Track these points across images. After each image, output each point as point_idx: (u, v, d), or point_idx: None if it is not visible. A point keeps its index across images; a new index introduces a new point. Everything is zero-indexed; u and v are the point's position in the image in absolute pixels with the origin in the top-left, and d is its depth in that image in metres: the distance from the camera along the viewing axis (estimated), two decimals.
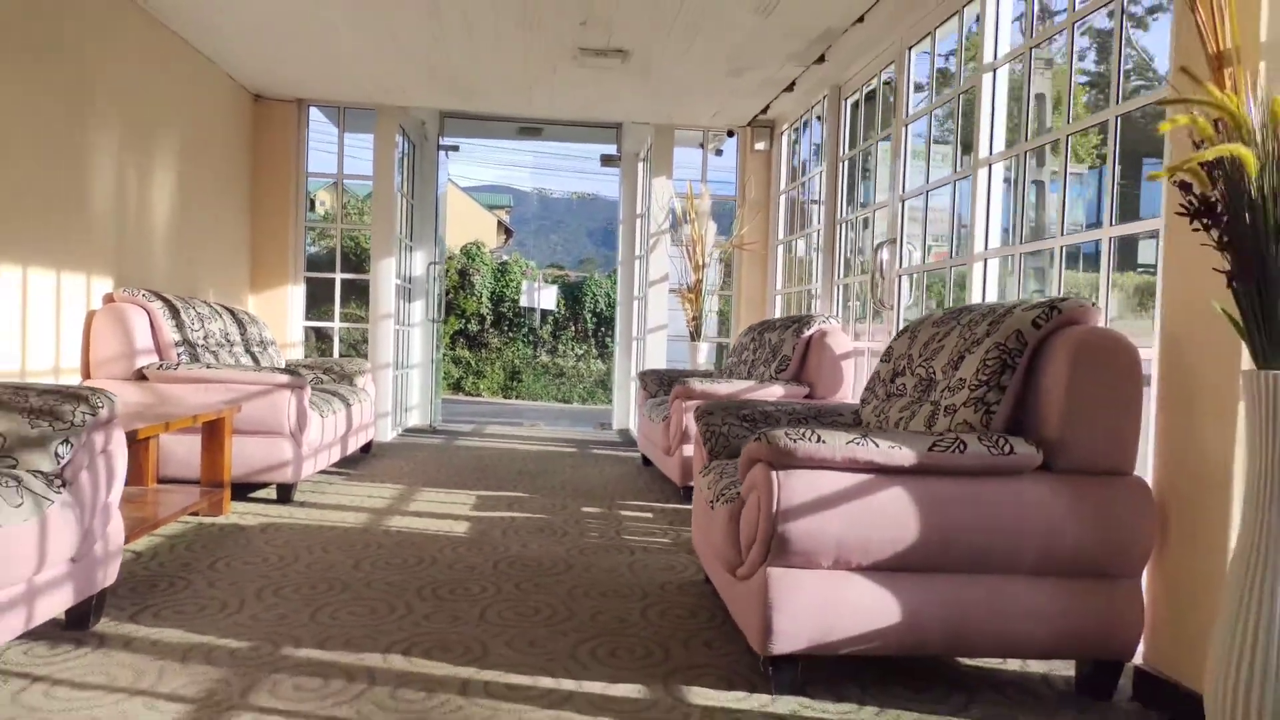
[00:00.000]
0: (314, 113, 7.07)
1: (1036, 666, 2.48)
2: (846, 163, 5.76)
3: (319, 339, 10.97)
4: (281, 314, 6.86)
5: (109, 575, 2.53)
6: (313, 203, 16.34)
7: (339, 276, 7.42)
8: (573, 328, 17.42)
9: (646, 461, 6.02)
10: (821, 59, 5.44)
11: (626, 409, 8.22)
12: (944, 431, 2.32)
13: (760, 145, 7.21)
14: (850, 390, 4.87)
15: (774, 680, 2.21)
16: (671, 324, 7.35)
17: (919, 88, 4.81)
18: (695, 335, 7.01)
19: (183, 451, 4.20)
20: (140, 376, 4.39)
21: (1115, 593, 2.22)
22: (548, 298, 17.15)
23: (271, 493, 4.52)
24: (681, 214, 7.16)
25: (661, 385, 5.90)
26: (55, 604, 2.28)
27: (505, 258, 18.14)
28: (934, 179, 4.50)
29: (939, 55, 4.63)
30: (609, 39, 5.25)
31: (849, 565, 2.16)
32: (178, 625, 2.56)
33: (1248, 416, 1.76)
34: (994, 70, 3.83)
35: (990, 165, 3.82)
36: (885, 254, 4.79)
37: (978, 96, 3.88)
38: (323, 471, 5.27)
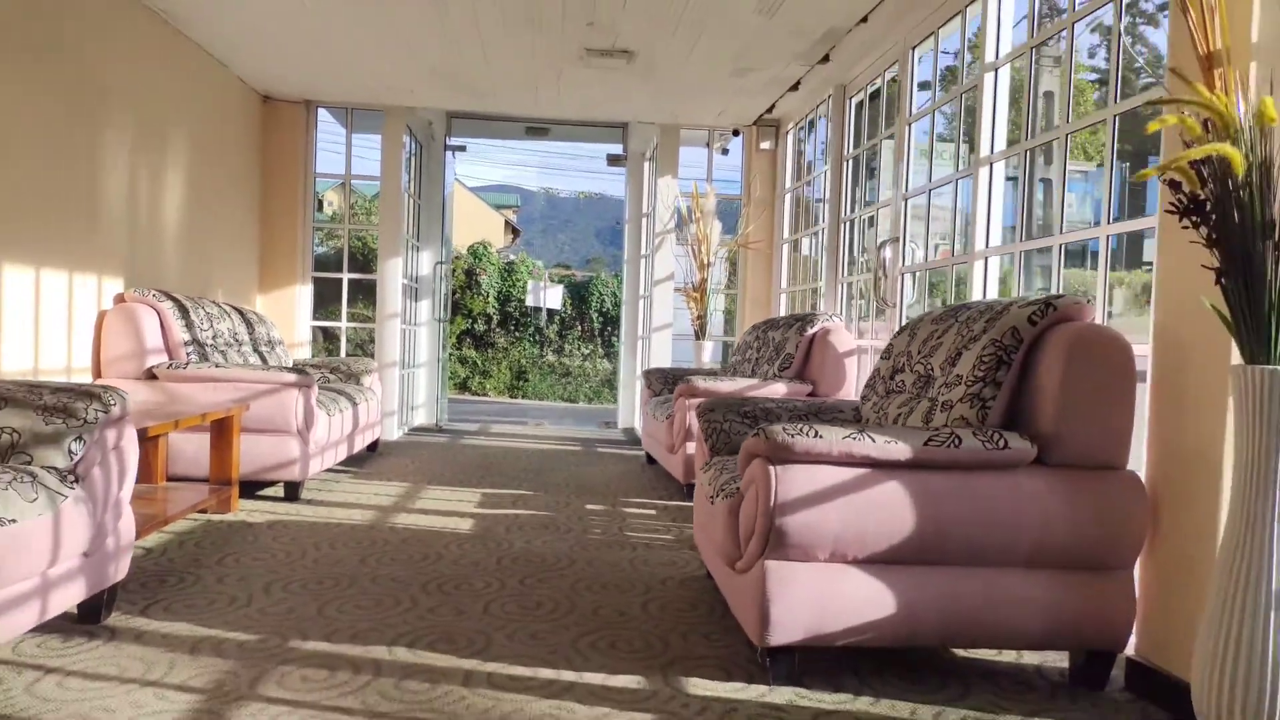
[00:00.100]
0: (322, 113, 7.13)
1: (1031, 658, 2.51)
2: (851, 162, 5.79)
3: (326, 338, 11.04)
4: (289, 314, 6.93)
5: (120, 570, 2.58)
6: (320, 203, 16.44)
7: (346, 276, 7.47)
8: (579, 327, 17.46)
9: (651, 459, 6.06)
10: (826, 59, 5.48)
11: (632, 408, 8.26)
12: (940, 427, 2.35)
13: (765, 144, 7.24)
14: (853, 388, 4.90)
15: (771, 671, 2.25)
16: (677, 323, 7.39)
17: (924, 86, 4.84)
18: (700, 334, 7.05)
19: (192, 450, 4.25)
20: (150, 375, 4.45)
21: (1107, 585, 2.25)
22: (553, 297, 17.19)
23: (279, 490, 4.57)
24: (687, 213, 7.20)
25: (666, 384, 5.94)
26: (68, 597, 2.33)
27: (512, 257, 18.20)
28: (938, 177, 4.53)
29: (944, 54, 4.65)
30: (614, 40, 5.29)
31: (845, 558, 2.20)
32: (187, 619, 2.61)
33: (1236, 410, 1.79)
34: (995, 70, 3.85)
35: (991, 164, 3.85)
36: (888, 252, 4.82)
37: (979, 96, 3.91)
38: (329, 469, 5.33)
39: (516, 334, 17.12)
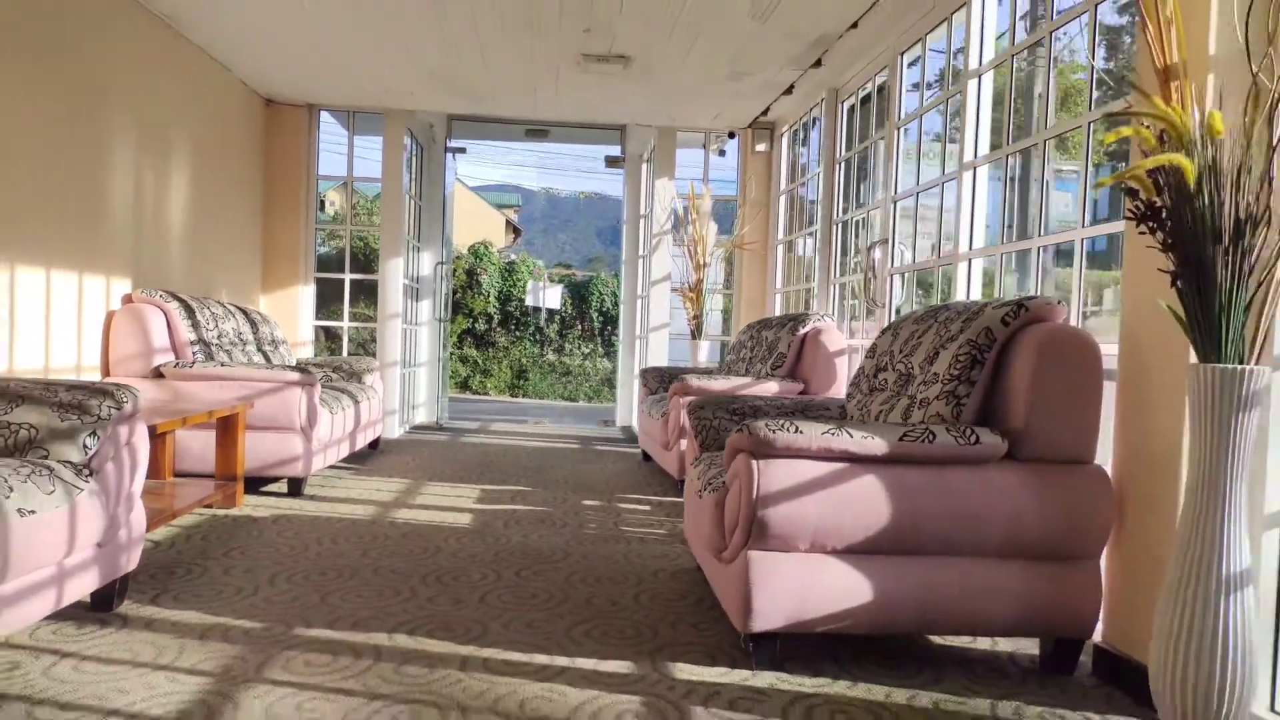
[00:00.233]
0: (324, 116, 7.24)
1: (1004, 645, 2.61)
2: (843, 164, 5.89)
3: (328, 338, 11.16)
4: (292, 313, 7.04)
5: (131, 560, 2.69)
6: (322, 203, 16.53)
7: (348, 277, 7.59)
8: (579, 326, 17.57)
9: (647, 457, 6.17)
10: (818, 63, 5.58)
11: (630, 406, 8.36)
12: (916, 423, 2.45)
13: (761, 146, 7.34)
14: (844, 386, 5.00)
15: (754, 656, 2.35)
16: (674, 322, 7.50)
17: (916, 86, 4.94)
18: (696, 333, 7.15)
19: (198, 447, 4.36)
20: (158, 374, 4.56)
21: (1075, 575, 2.35)
22: (552, 297, 17.30)
23: (283, 486, 4.69)
24: (683, 214, 7.30)
25: (662, 382, 6.04)
26: (83, 586, 2.44)
27: (513, 257, 18.30)
28: (925, 180, 4.63)
29: (935, 51, 4.75)
30: (611, 44, 5.39)
31: (825, 548, 2.30)
32: (196, 607, 2.72)
33: (1190, 406, 1.90)
34: (979, 77, 3.95)
35: (975, 169, 3.95)
36: (878, 254, 4.92)
37: (963, 101, 4.01)
38: (332, 466, 5.44)
39: (517, 333, 17.23)
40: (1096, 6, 3.02)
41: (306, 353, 7.21)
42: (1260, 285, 1.87)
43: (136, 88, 4.90)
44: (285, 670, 2.26)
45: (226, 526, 3.80)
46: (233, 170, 6.37)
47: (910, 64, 4.90)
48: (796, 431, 2.27)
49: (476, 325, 17.02)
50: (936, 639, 2.65)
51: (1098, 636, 2.43)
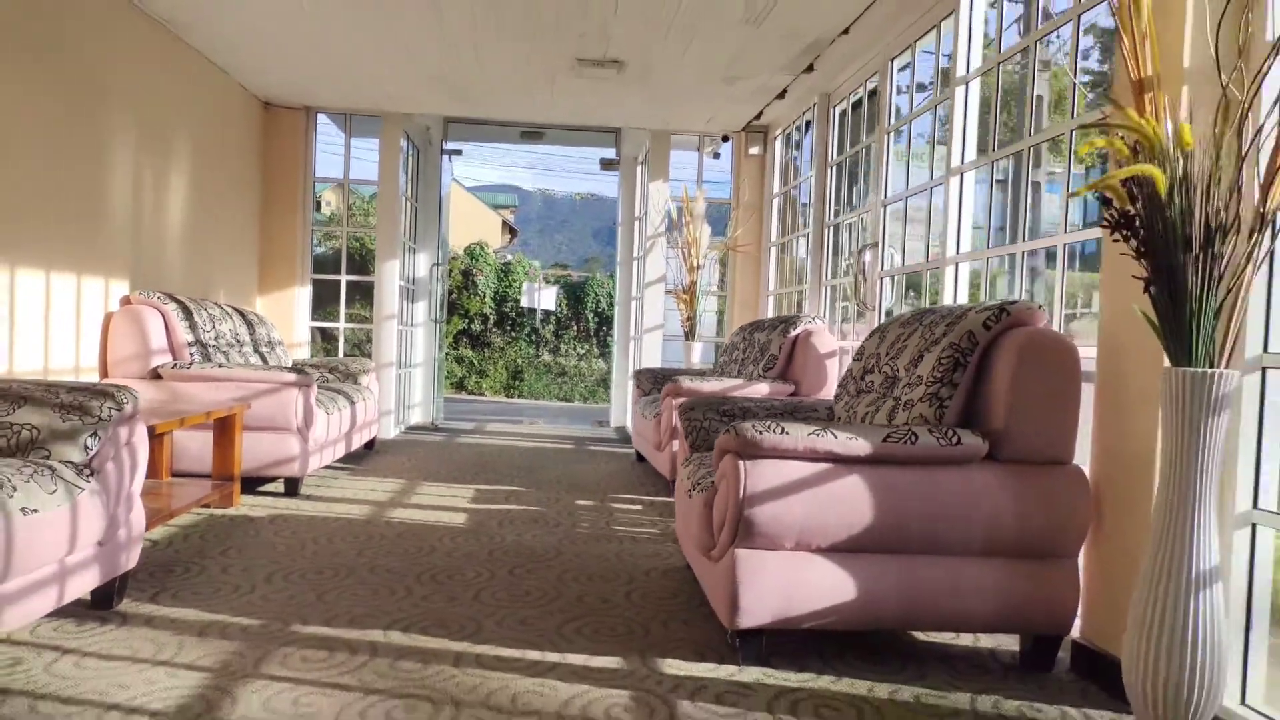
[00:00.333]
0: (321, 118, 7.29)
1: (986, 641, 2.67)
2: (835, 168, 5.95)
3: (324, 339, 11.19)
4: (288, 315, 7.09)
5: (131, 559, 2.74)
6: (319, 203, 16.57)
7: (344, 279, 7.63)
8: (575, 327, 17.63)
9: (640, 457, 6.22)
10: (811, 68, 5.64)
11: (624, 407, 8.42)
12: (899, 424, 2.51)
13: (754, 150, 7.40)
14: (834, 388, 5.06)
15: (741, 652, 2.41)
16: (668, 324, 7.56)
17: (909, 89, 5.00)
18: (690, 335, 7.21)
19: (195, 447, 4.41)
20: (155, 375, 4.61)
21: (1054, 573, 2.42)
22: (547, 298, 17.36)
23: (279, 486, 4.74)
24: (677, 216, 7.36)
25: (655, 383, 6.10)
26: (83, 584, 2.49)
27: (509, 257, 18.35)
28: (915, 184, 4.69)
29: (927, 53, 4.81)
30: (606, 49, 5.45)
31: (810, 547, 2.36)
32: (194, 605, 2.77)
33: (1162, 409, 1.95)
34: (966, 84, 4.01)
35: (962, 174, 4.00)
36: (868, 256, 4.98)
37: (951, 107, 4.07)
38: (328, 466, 5.49)
39: (513, 334, 17.28)
40: (1080, 16, 3.08)
41: (303, 354, 7.26)
42: (1229, 292, 1.93)
43: (136, 89, 4.95)
44: (282, 666, 2.31)
45: (224, 526, 3.85)
46: (231, 172, 6.42)
47: (901, 69, 4.97)
48: (782, 433, 2.33)
49: (472, 326, 17.07)
50: (919, 635, 2.71)
51: (1076, 633, 2.49)
